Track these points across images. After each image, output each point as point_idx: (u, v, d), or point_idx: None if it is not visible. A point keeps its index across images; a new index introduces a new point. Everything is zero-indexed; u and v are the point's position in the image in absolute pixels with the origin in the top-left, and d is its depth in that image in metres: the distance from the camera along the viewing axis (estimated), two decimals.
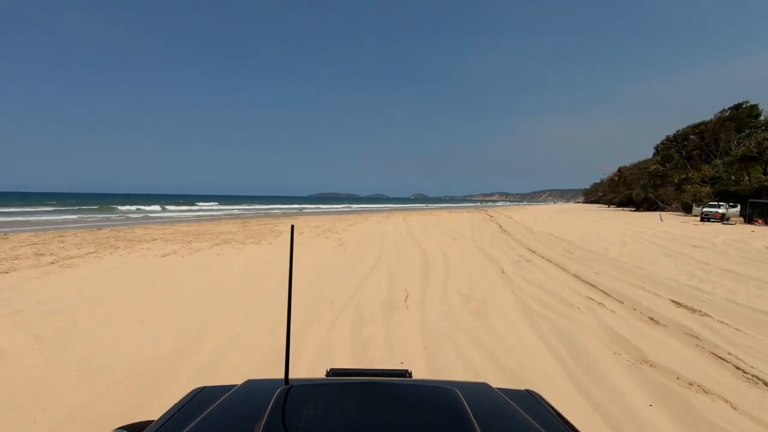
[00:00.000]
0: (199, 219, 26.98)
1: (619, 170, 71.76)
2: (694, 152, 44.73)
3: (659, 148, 51.86)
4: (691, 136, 47.28)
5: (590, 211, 45.66)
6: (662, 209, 44.29)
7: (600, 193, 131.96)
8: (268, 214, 35.67)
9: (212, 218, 28.05)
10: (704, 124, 44.35)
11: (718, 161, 38.69)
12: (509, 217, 28.32)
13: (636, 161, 63.64)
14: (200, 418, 0.90)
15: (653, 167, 47.84)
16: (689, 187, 36.02)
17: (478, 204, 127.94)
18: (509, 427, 0.90)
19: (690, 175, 37.49)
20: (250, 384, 1.13)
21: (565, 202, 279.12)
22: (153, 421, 0.98)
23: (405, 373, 1.25)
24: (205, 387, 1.15)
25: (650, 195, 47.18)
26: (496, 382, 1.56)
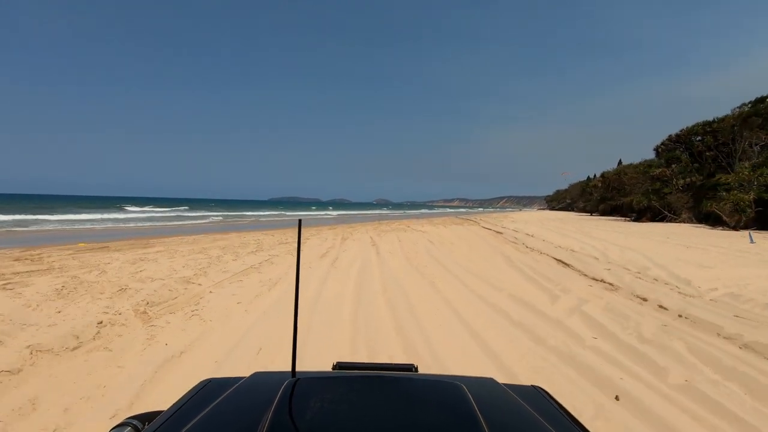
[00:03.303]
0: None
1: (603, 175, 66.24)
2: (708, 153, 38.51)
3: (659, 149, 45.70)
4: (697, 137, 41.33)
5: (590, 221, 37.94)
6: (670, 220, 37.59)
7: (568, 200, 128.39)
8: (178, 226, 23.94)
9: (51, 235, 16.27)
10: (719, 121, 38.28)
11: (747, 163, 32.24)
12: (528, 234, 18.86)
13: (599, 171, 58.16)
14: (208, 409, 0.89)
15: (659, 170, 41.30)
16: (725, 194, 28.89)
17: (458, 212, 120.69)
18: (515, 423, 0.88)
19: (724, 179, 30.51)
20: (257, 376, 1.11)
21: (528, 208, 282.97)
22: (162, 411, 0.96)
23: (411, 368, 1.23)
24: (212, 379, 1.13)
25: (654, 203, 40.59)
26: None
